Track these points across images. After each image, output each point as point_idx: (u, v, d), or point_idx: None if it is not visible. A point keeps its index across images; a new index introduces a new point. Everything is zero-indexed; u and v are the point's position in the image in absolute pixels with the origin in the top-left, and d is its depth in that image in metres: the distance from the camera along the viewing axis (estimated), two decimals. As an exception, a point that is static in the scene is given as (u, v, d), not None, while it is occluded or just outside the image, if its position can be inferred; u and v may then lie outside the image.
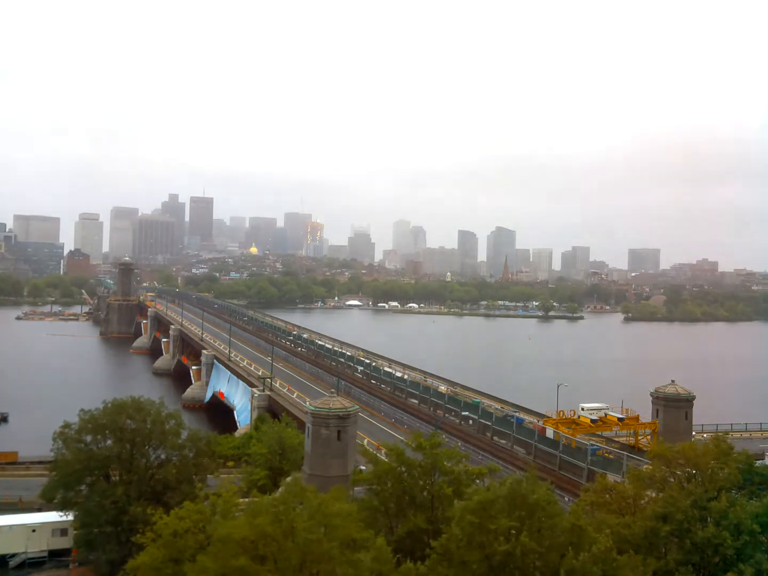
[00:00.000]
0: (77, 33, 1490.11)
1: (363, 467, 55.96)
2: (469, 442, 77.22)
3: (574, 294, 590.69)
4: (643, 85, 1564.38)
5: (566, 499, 54.39)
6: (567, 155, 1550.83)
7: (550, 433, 75.01)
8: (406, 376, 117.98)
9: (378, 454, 53.79)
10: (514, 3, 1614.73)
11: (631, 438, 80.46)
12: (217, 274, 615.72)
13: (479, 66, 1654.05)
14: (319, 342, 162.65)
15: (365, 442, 72.41)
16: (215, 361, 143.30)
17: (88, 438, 52.75)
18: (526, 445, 73.43)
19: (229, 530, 32.77)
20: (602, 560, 30.84)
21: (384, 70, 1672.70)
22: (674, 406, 76.53)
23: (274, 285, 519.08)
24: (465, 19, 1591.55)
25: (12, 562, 56.71)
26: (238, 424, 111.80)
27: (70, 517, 52.31)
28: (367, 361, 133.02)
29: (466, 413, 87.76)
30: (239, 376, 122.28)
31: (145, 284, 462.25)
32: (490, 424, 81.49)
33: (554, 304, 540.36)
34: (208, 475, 55.49)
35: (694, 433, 78.99)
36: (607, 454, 68.36)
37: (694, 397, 77.17)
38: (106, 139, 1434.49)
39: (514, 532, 31.70)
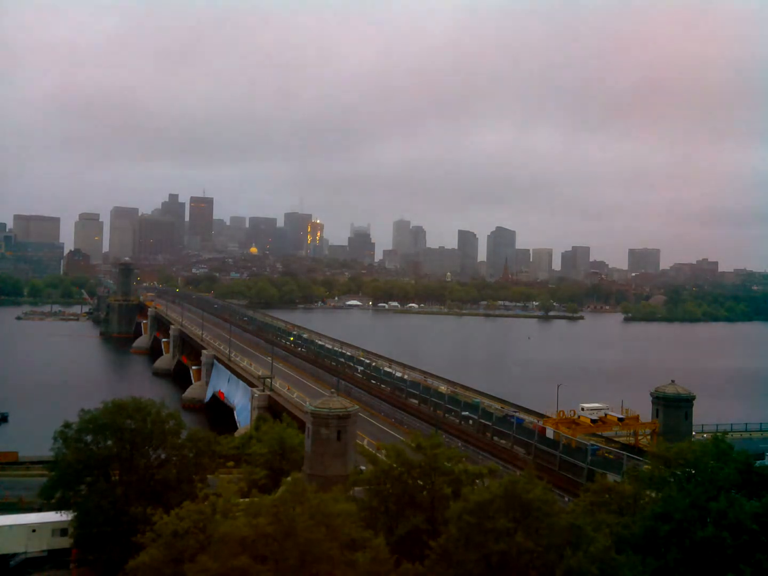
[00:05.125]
0: (82, 28, 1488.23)
1: (363, 467, 55.95)
2: (469, 442, 77.27)
3: (574, 294, 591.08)
4: (643, 85, 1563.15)
5: (566, 498, 54.41)
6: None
7: (550, 433, 75.09)
8: (406, 376, 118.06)
9: (378, 454, 53.76)
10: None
11: (631, 438, 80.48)
12: (217, 274, 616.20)
13: (483, 62, 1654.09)
14: (319, 342, 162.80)
15: (365, 442, 72.41)
16: (215, 361, 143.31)
17: (88, 438, 52.75)
18: (526, 445, 73.46)
19: (229, 530, 32.82)
20: (600, 560, 30.87)
21: (378, 69, 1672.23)
22: (674, 406, 76.60)
23: (274, 285, 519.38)
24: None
25: (12, 562, 56.72)
26: (238, 424, 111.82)
27: (70, 517, 52.31)
28: (367, 361, 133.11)
29: (466, 413, 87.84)
30: (239, 376, 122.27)
31: (145, 284, 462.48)
32: (490, 424, 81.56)
33: (554, 304, 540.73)
34: (208, 475, 55.48)
35: (694, 433, 79.02)
36: (607, 454, 68.40)
37: (694, 397, 77.24)
38: (107, 138, 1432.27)
39: (511, 532, 31.79)
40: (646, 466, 45.46)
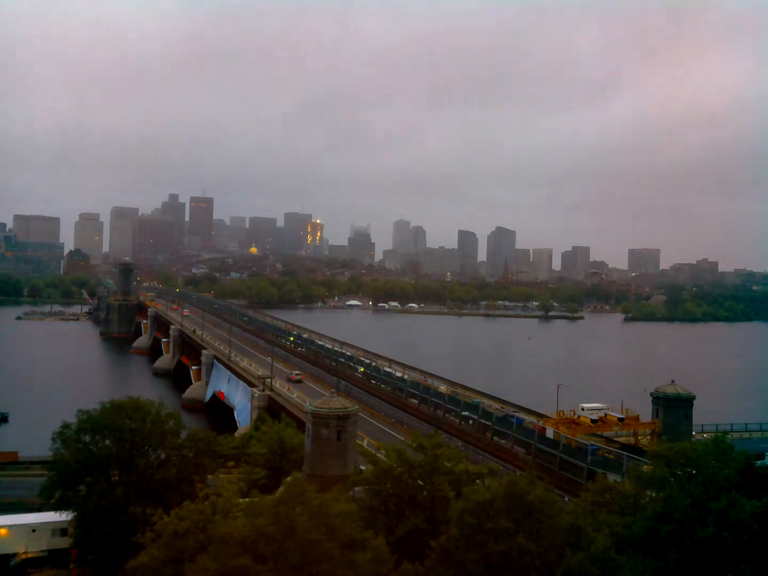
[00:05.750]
0: (78, 32, 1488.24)
1: (363, 467, 55.93)
2: (469, 442, 77.20)
3: (574, 294, 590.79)
4: (644, 86, 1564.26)
5: (566, 499, 54.38)
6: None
7: (550, 433, 75.04)
8: (406, 376, 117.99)
9: (378, 454, 53.75)
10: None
11: (631, 438, 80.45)
12: (217, 274, 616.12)
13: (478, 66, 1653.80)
14: (319, 342, 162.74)
15: (365, 442, 72.40)
16: (215, 361, 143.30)
17: (87, 438, 52.72)
18: (526, 445, 73.42)
19: (229, 530, 32.79)
20: (600, 560, 30.84)
21: (378, 68, 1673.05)
22: (674, 406, 76.61)
23: (275, 285, 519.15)
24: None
25: (12, 562, 56.69)
26: (238, 424, 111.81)
27: (70, 517, 52.30)
28: (367, 361, 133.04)
29: (466, 413, 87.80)
30: (239, 376, 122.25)
31: (145, 284, 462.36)
32: (490, 424, 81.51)
33: (554, 304, 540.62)
34: (208, 476, 55.46)
35: (694, 433, 79.02)
36: (607, 454, 68.33)
37: (694, 397, 77.26)
38: (106, 138, 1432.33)
39: (512, 532, 31.75)
40: (647, 466, 45.40)
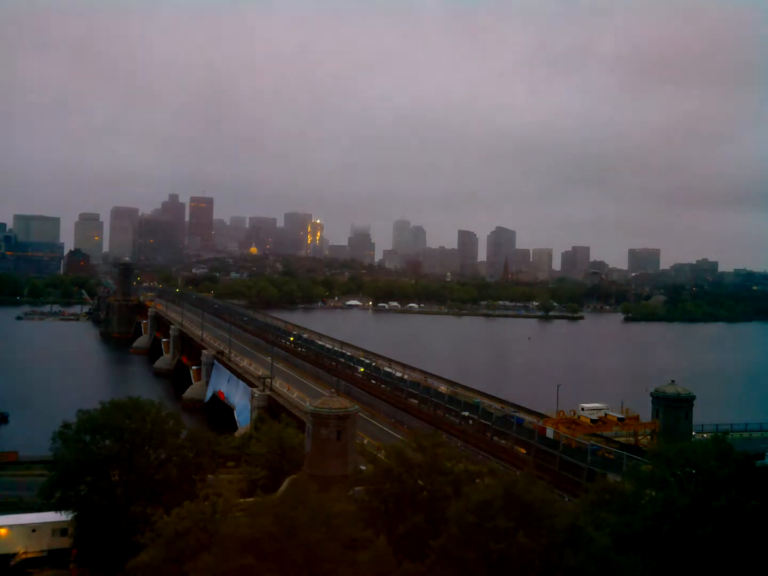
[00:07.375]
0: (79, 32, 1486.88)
1: (363, 467, 55.93)
2: (469, 442, 77.27)
3: (574, 294, 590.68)
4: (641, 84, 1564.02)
5: (566, 498, 54.39)
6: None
7: (550, 433, 75.05)
8: (406, 376, 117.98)
9: (378, 455, 53.75)
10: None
11: (631, 438, 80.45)
12: (217, 274, 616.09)
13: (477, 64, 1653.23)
14: (320, 342, 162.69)
15: (365, 442, 72.43)
16: (215, 361, 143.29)
17: (87, 438, 52.75)
18: (526, 445, 73.46)
19: (232, 529, 32.82)
20: (600, 559, 30.84)
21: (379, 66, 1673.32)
22: (674, 406, 76.64)
23: (275, 285, 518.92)
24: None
25: (12, 562, 56.68)
26: (238, 424, 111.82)
27: (70, 517, 52.32)
28: (367, 361, 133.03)
29: (466, 413, 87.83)
30: (239, 376, 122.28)
31: (145, 284, 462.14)
32: (490, 424, 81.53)
33: (554, 304, 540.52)
34: (208, 475, 55.51)
35: (694, 433, 79.02)
36: (607, 454, 68.36)
37: (694, 397, 77.29)
38: (106, 138, 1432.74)
39: (512, 531, 31.76)
40: (647, 466, 45.43)
